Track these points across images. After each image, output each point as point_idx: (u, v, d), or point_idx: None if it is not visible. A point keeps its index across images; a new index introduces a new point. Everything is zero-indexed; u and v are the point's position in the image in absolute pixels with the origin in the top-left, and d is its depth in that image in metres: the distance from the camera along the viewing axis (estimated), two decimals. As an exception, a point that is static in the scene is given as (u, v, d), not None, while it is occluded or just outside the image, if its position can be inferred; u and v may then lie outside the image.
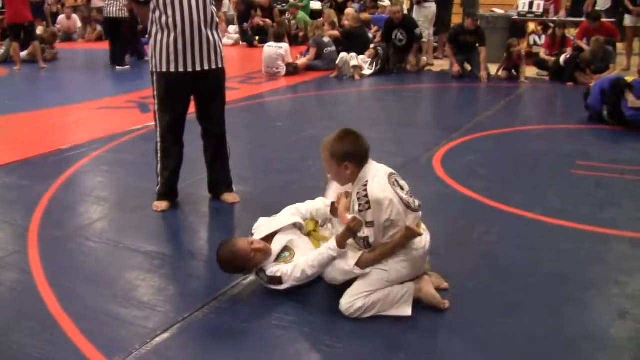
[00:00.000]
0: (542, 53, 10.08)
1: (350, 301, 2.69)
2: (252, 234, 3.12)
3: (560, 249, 3.45)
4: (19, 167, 4.99)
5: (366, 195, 2.62)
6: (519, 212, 3.94)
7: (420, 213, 2.79)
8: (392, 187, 2.68)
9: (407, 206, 2.69)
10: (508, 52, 9.16)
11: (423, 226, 2.81)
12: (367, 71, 9.59)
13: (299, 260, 2.86)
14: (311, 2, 14.95)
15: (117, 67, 10.58)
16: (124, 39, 10.89)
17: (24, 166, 5.02)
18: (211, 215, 4.09)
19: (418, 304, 2.77)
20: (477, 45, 9.28)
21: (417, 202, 2.78)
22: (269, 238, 3.02)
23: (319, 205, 3.19)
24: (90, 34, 14.92)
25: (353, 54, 9.52)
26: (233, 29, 14.41)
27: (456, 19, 11.54)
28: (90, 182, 4.71)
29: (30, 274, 3.15)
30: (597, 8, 10.36)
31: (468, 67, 9.55)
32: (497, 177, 4.75)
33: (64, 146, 5.52)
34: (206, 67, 3.83)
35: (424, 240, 2.76)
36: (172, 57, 3.74)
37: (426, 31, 10.35)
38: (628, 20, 10.02)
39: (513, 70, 9.30)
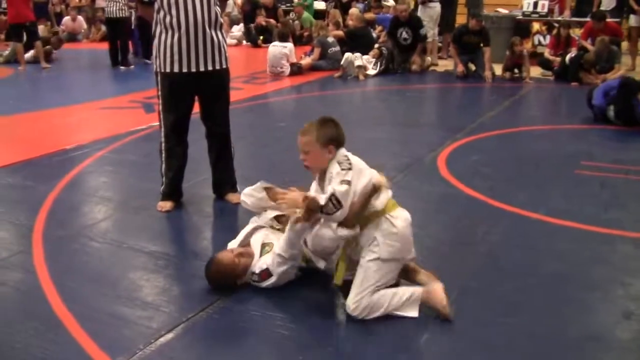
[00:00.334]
0: (547, 53, 10.08)
1: (356, 300, 2.68)
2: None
3: (564, 249, 3.44)
4: (23, 167, 5.00)
5: (349, 161, 2.70)
6: (523, 212, 3.93)
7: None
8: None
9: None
10: (511, 50, 9.15)
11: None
12: (371, 71, 9.59)
13: (275, 248, 2.92)
14: (315, 2, 14.96)
15: (121, 67, 10.60)
16: (126, 38, 10.90)
17: (28, 166, 5.03)
18: (215, 215, 4.09)
19: (422, 305, 2.75)
20: (482, 45, 9.27)
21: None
22: (246, 246, 3.09)
23: (269, 215, 3.26)
24: (94, 34, 14.96)
25: (357, 54, 9.51)
26: (237, 29, 14.42)
27: (460, 19, 11.51)
28: (94, 182, 4.72)
29: (34, 274, 3.16)
30: (601, 8, 10.32)
31: (472, 67, 9.54)
32: (501, 177, 4.74)
33: (68, 146, 5.53)
34: (210, 68, 3.83)
35: (406, 213, 2.79)
36: (176, 58, 3.75)
37: (430, 31, 10.34)
38: (633, 20, 9.99)
39: (515, 70, 9.28)
